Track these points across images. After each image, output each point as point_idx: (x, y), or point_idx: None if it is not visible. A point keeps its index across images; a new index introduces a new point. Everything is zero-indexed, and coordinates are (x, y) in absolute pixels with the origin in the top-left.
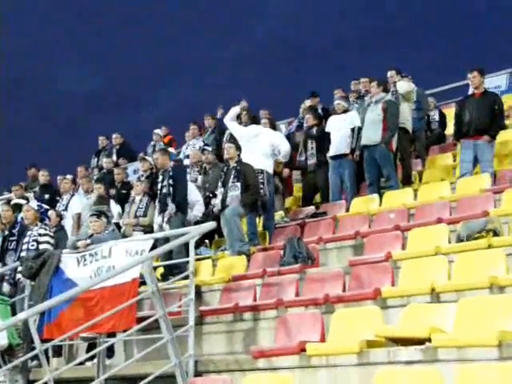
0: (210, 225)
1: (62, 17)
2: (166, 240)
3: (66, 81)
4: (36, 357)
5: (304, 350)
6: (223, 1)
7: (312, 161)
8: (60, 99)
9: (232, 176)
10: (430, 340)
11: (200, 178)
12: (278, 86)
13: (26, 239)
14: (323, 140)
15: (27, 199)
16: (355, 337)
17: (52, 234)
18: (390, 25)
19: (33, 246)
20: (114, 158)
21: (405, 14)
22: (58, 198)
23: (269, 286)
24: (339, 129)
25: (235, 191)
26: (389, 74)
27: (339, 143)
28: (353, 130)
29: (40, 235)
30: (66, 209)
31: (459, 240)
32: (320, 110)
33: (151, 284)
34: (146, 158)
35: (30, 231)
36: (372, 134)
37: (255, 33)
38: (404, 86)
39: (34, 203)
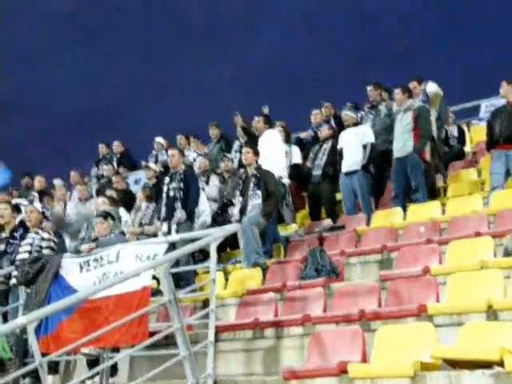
0: (232, 227)
1: (57, 33)
2: (175, 247)
3: (56, 97)
4: (29, 374)
5: (345, 371)
6: (217, 23)
7: (318, 172)
8: (51, 116)
9: (252, 184)
10: (500, 363)
11: (207, 187)
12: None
13: (25, 241)
14: (334, 154)
15: (30, 200)
16: (404, 357)
17: (55, 239)
18: (390, 47)
19: (37, 250)
20: (115, 166)
21: (408, 33)
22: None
23: (291, 300)
24: (350, 144)
25: (256, 200)
26: (411, 85)
27: (351, 160)
28: (365, 146)
29: (43, 239)
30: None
31: (507, 254)
32: (332, 121)
33: (168, 291)
34: (150, 165)
35: (31, 234)
36: (403, 145)
37: (247, 56)
38: (434, 86)
39: (37, 204)
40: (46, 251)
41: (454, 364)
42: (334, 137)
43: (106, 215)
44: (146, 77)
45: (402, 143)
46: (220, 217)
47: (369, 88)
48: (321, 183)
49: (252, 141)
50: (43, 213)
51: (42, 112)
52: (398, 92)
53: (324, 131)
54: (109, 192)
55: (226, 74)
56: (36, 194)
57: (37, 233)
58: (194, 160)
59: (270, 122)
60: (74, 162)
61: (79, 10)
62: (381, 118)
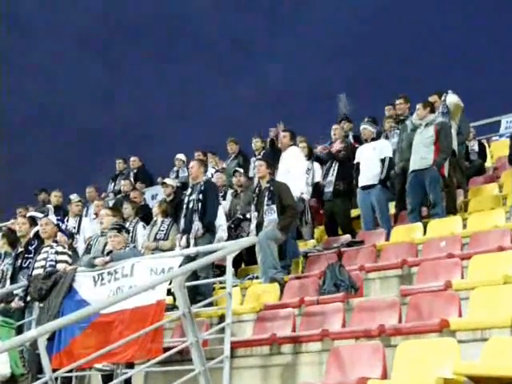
0: (249, 240)
1: (77, 55)
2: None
3: (78, 117)
4: None
5: None
6: (236, 44)
7: (329, 189)
8: (73, 135)
9: (266, 198)
10: None
11: (224, 202)
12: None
13: (41, 256)
14: (345, 168)
15: (45, 213)
16: (426, 374)
17: (70, 253)
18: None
19: (51, 265)
20: (132, 181)
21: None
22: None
23: (309, 315)
24: (368, 158)
25: (272, 215)
26: (431, 99)
27: (368, 174)
28: (383, 160)
29: (58, 253)
30: (77, 231)
31: None
32: (351, 137)
33: (183, 304)
34: (167, 181)
35: (46, 248)
36: (422, 158)
37: (266, 75)
38: (454, 97)
39: (53, 217)
40: (60, 265)
41: (478, 381)
42: (346, 151)
43: (120, 228)
44: (166, 100)
45: (422, 156)
46: (234, 231)
47: (398, 101)
48: (333, 200)
49: (273, 155)
50: (58, 225)
51: (59, 128)
52: (419, 107)
53: (336, 145)
54: (125, 205)
55: (243, 97)
56: (51, 207)
57: (51, 247)
58: (212, 176)
59: (295, 139)
60: (90, 179)
61: (100, 31)
62: (407, 133)
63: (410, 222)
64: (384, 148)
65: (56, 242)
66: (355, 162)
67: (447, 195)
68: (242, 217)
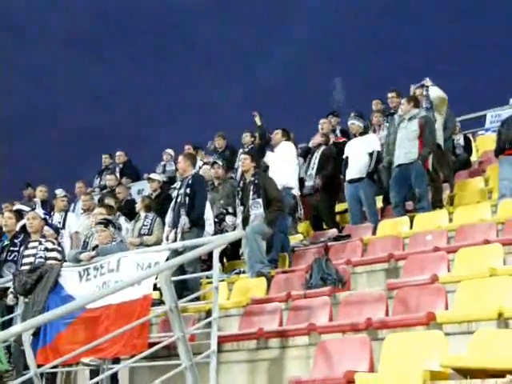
0: (236, 234)
1: (69, 53)
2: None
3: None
4: None
5: (352, 381)
6: (226, 43)
7: (310, 183)
8: (63, 134)
9: (251, 192)
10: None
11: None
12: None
13: (29, 251)
14: (324, 162)
15: (32, 207)
16: (413, 366)
17: (60, 249)
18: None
19: (40, 262)
20: (118, 176)
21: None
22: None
23: (296, 309)
24: (357, 152)
25: (258, 209)
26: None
27: (356, 167)
28: (370, 154)
29: (47, 250)
30: (63, 226)
31: None
32: (338, 132)
33: (169, 299)
34: (152, 176)
35: (34, 243)
36: (407, 152)
37: (257, 74)
38: (436, 90)
39: (40, 211)
40: (50, 262)
41: (465, 373)
42: (327, 144)
43: (106, 223)
44: (157, 98)
45: (406, 150)
46: (218, 226)
47: (390, 95)
48: (314, 194)
49: (261, 146)
50: (45, 219)
51: (51, 128)
52: (403, 102)
53: (315, 138)
54: (107, 200)
55: (235, 96)
56: (38, 201)
57: (40, 242)
58: (200, 168)
59: (288, 135)
60: (79, 175)
61: (91, 31)
62: (395, 127)
63: (396, 216)
64: (372, 142)
65: (44, 236)
66: (344, 156)
67: (433, 189)
68: (225, 211)
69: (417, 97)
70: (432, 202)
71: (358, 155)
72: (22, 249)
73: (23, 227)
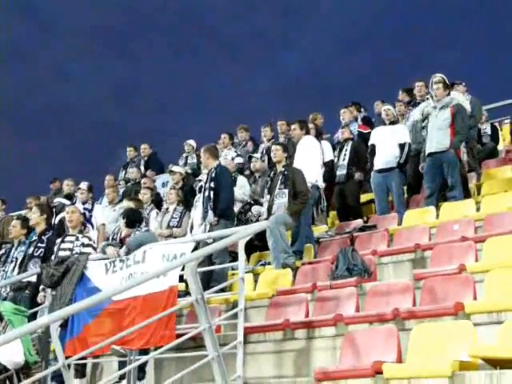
0: (261, 224)
1: (94, 47)
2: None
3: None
4: (55, 377)
5: (380, 371)
6: (251, 33)
7: (342, 172)
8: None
9: (279, 182)
10: None
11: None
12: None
13: (64, 245)
14: (357, 153)
15: (72, 200)
16: (441, 357)
17: (95, 245)
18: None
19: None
20: (142, 169)
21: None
22: None
23: (323, 300)
24: (386, 142)
25: (282, 198)
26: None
27: (386, 157)
28: (401, 145)
29: (83, 245)
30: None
31: None
32: (360, 120)
33: (195, 290)
34: (174, 169)
35: (71, 237)
36: (440, 141)
37: (283, 65)
38: (458, 98)
39: (80, 205)
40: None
41: (495, 363)
42: (353, 139)
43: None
44: (182, 89)
45: (438, 139)
46: (243, 216)
47: (420, 84)
48: (345, 183)
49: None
50: (84, 214)
51: (77, 122)
52: (438, 87)
53: (345, 133)
54: (143, 191)
55: (260, 86)
56: (79, 195)
57: (77, 238)
58: (233, 159)
59: (306, 127)
60: (105, 169)
61: (116, 25)
62: (422, 117)
63: (426, 206)
64: (403, 133)
65: (81, 232)
66: (370, 143)
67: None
68: (252, 201)
69: (451, 85)
70: None
71: (389, 145)
72: (58, 241)
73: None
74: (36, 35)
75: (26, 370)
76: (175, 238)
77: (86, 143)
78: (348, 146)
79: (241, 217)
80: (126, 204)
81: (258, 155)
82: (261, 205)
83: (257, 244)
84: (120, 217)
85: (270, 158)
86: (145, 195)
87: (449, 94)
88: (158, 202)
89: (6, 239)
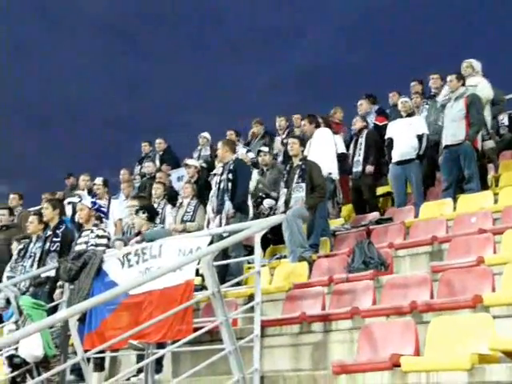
0: (277, 218)
1: (105, 40)
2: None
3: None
4: (74, 371)
5: (398, 364)
6: (256, 29)
7: (358, 169)
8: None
9: (296, 175)
10: None
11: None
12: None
13: (81, 240)
14: (370, 147)
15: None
16: (460, 350)
17: (110, 236)
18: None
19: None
20: (157, 164)
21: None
22: None
23: (339, 293)
24: (403, 134)
25: (299, 192)
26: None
27: (404, 149)
28: (419, 136)
29: (98, 237)
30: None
31: None
32: (374, 113)
33: (212, 284)
34: (189, 162)
35: (86, 231)
36: (455, 133)
37: (287, 60)
38: (485, 92)
39: (87, 201)
40: (100, 249)
41: None
42: (367, 128)
43: (137, 210)
44: (190, 84)
45: (454, 131)
46: (255, 209)
47: (434, 76)
48: (361, 178)
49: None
50: (94, 207)
51: (90, 116)
52: (452, 79)
53: (357, 123)
54: (155, 185)
55: (270, 79)
56: (85, 191)
57: (92, 231)
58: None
59: (316, 121)
60: (118, 163)
61: (127, 18)
62: (437, 108)
63: (443, 198)
64: (420, 124)
65: (96, 225)
66: (387, 137)
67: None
68: (264, 195)
69: (464, 76)
70: None
71: (405, 137)
72: (76, 236)
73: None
74: (48, 31)
75: (45, 363)
76: (189, 232)
77: (100, 138)
78: (362, 139)
79: (252, 210)
80: (132, 203)
81: (266, 149)
82: (272, 198)
83: (270, 237)
84: (133, 213)
85: (286, 150)
86: (157, 189)
87: (463, 85)
88: (172, 196)
89: (24, 233)
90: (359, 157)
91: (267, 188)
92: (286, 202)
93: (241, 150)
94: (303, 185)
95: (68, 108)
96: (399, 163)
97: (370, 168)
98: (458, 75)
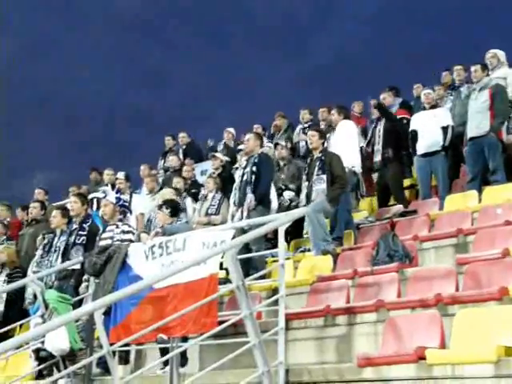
0: (300, 211)
1: (129, 35)
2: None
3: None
4: (100, 364)
5: (423, 357)
6: (285, 20)
7: (378, 158)
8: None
9: (316, 168)
10: None
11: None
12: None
13: (105, 234)
14: (390, 134)
15: (104, 193)
16: (486, 342)
17: (135, 231)
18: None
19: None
20: (181, 157)
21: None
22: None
23: (364, 286)
24: (428, 126)
25: (320, 185)
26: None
27: (429, 141)
28: (444, 128)
29: (124, 232)
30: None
31: None
32: (398, 105)
33: (236, 277)
34: (217, 154)
35: (111, 226)
36: (479, 124)
37: (316, 51)
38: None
39: (111, 196)
40: (124, 244)
41: None
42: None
43: (160, 205)
44: (212, 79)
45: (478, 122)
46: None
47: (458, 67)
48: (383, 169)
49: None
50: (118, 203)
51: (113, 111)
52: (476, 69)
53: (375, 112)
54: (176, 180)
55: (293, 73)
56: (108, 188)
57: (117, 226)
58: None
59: (345, 113)
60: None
61: (150, 12)
62: (461, 100)
63: (469, 190)
64: (445, 115)
65: (121, 220)
66: (411, 129)
67: (504, 161)
68: (284, 187)
69: (488, 66)
70: None
71: (430, 129)
72: (100, 231)
73: None
74: (65, 25)
75: (71, 356)
76: (214, 225)
77: (119, 132)
78: (381, 126)
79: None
80: (165, 192)
81: (283, 143)
82: (291, 190)
83: (289, 230)
84: (157, 207)
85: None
86: (178, 184)
87: (488, 75)
88: (197, 189)
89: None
90: (378, 145)
91: (285, 182)
92: (308, 196)
93: (266, 144)
94: (324, 176)
95: (90, 104)
96: (424, 155)
97: (390, 152)
98: (482, 65)
